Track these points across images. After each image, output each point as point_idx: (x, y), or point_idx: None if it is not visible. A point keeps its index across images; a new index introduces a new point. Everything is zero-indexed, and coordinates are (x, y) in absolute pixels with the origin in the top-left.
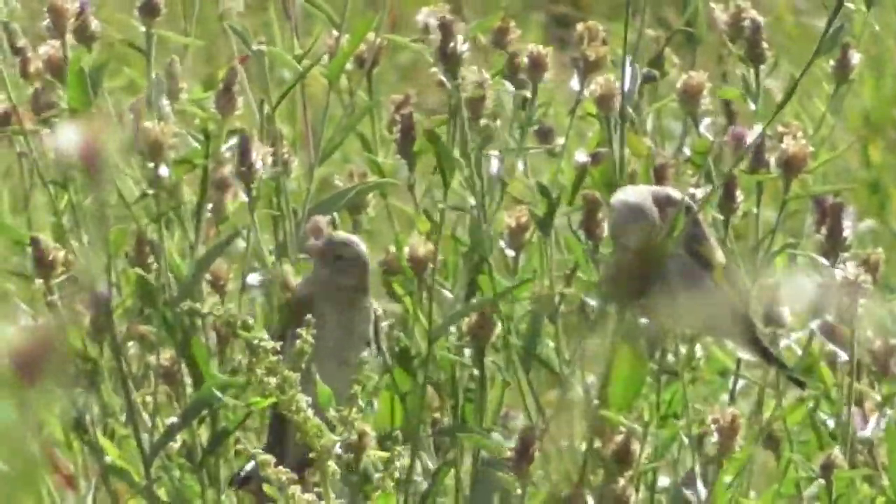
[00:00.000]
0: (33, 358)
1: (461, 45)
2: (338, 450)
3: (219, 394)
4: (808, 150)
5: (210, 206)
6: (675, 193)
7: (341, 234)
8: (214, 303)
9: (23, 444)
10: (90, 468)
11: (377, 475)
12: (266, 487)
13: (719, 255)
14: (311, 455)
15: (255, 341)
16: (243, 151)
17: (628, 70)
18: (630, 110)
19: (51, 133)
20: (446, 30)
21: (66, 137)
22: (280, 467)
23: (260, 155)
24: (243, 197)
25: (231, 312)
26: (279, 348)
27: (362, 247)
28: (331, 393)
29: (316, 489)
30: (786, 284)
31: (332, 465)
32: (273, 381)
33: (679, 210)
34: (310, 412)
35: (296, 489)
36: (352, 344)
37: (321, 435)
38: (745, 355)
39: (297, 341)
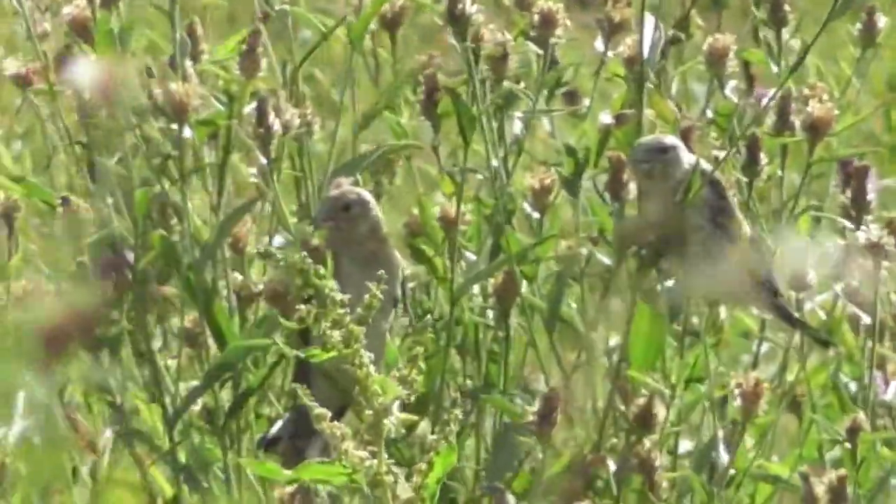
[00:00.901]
0: (61, 333)
1: (470, 7)
2: (395, 409)
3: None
4: (834, 113)
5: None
6: (704, 164)
7: (343, 187)
8: (282, 249)
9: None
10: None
11: (430, 437)
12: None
13: (745, 229)
14: (363, 413)
15: (328, 291)
16: (261, 114)
17: (649, 31)
18: (650, 72)
19: (66, 69)
20: None
21: (81, 71)
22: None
23: (285, 116)
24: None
25: (305, 259)
26: (346, 301)
27: (367, 194)
28: (396, 353)
29: (370, 448)
30: (810, 247)
31: (387, 423)
32: (337, 334)
33: (702, 178)
34: (372, 368)
35: (349, 445)
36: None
37: (382, 393)
38: (768, 317)
39: (367, 295)
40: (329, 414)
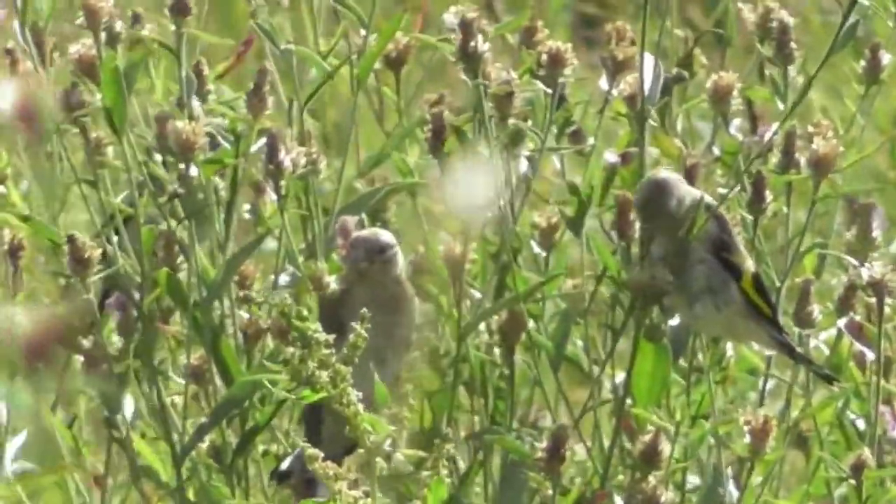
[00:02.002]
0: (42, 341)
1: (482, 45)
2: (387, 447)
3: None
4: (839, 150)
5: (247, 206)
6: (708, 199)
7: (374, 229)
8: (266, 292)
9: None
10: (119, 468)
11: (425, 473)
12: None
13: (749, 264)
14: (357, 450)
15: (310, 333)
16: (271, 150)
17: (649, 70)
18: (652, 110)
19: None
20: (467, 29)
21: (2, 96)
22: (328, 462)
23: (292, 154)
24: (273, 196)
25: (286, 302)
26: (331, 341)
27: (393, 237)
28: (387, 391)
29: (364, 489)
30: None
31: (380, 461)
32: (325, 374)
33: (706, 214)
34: (360, 407)
35: (342, 485)
36: (391, 344)
37: (373, 431)
38: (771, 352)
39: (351, 335)
40: (321, 455)
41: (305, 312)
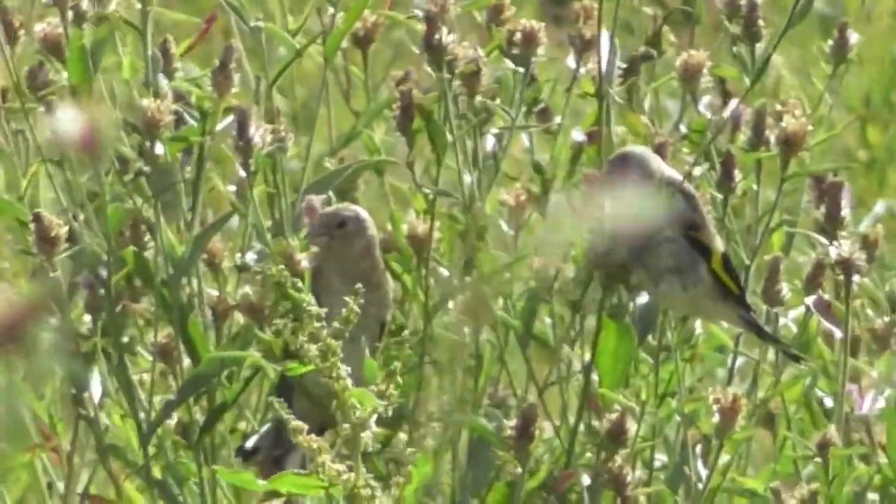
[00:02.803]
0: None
1: (447, 37)
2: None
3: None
4: (808, 129)
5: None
6: (677, 175)
7: (343, 204)
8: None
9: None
10: (86, 446)
11: (409, 450)
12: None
13: (718, 243)
14: (341, 426)
15: (304, 305)
16: (241, 127)
17: (605, 48)
18: (611, 90)
19: (49, 114)
20: (431, 22)
21: (65, 119)
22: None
23: (259, 131)
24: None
25: (282, 272)
26: (322, 314)
27: (364, 213)
28: (376, 366)
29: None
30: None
31: (365, 437)
32: (314, 347)
33: (673, 192)
34: (349, 382)
35: (326, 458)
36: (364, 323)
37: (360, 406)
38: (739, 330)
39: (343, 310)
40: (305, 427)
41: (300, 284)
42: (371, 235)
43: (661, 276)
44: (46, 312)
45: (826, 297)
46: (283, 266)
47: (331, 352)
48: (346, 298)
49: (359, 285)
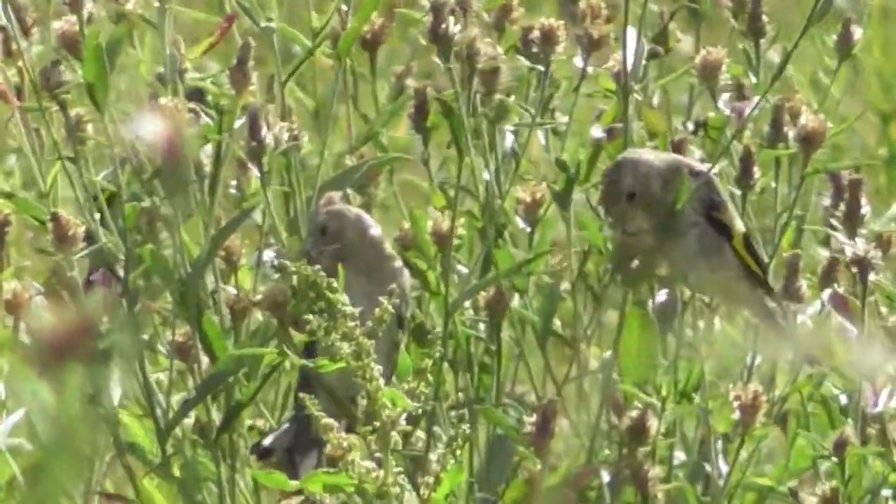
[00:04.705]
0: (66, 341)
1: (453, 27)
2: (402, 422)
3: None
4: (827, 125)
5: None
6: (695, 164)
7: (329, 206)
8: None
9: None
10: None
11: (439, 451)
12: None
13: (738, 223)
14: (372, 424)
15: (339, 305)
16: (253, 126)
17: (631, 46)
18: (634, 85)
19: (130, 123)
20: (437, 11)
21: (148, 128)
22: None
23: (273, 130)
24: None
25: (317, 272)
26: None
27: (350, 207)
28: (410, 364)
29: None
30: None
31: (395, 435)
32: (347, 346)
33: (698, 179)
34: (381, 381)
35: (356, 455)
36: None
37: (391, 406)
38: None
39: (377, 309)
40: (336, 424)
41: (335, 283)
42: (362, 226)
43: (689, 261)
44: (99, 324)
45: (841, 291)
46: (318, 266)
47: (364, 352)
48: (381, 298)
49: (391, 286)
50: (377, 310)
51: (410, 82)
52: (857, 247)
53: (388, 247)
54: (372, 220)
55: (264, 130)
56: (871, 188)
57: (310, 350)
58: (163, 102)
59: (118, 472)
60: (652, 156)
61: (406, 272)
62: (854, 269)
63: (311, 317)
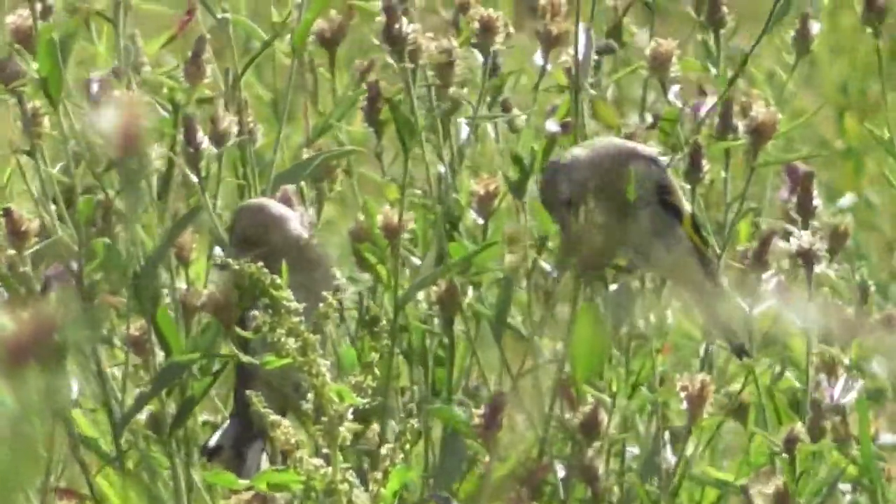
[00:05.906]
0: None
1: (406, 28)
2: (349, 416)
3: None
4: (778, 118)
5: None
6: (642, 147)
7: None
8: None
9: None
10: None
11: (387, 447)
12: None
13: (686, 205)
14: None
15: (284, 301)
16: (189, 133)
17: (583, 42)
18: (584, 81)
19: (88, 114)
20: (391, 12)
21: (106, 119)
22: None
23: (223, 124)
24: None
25: (260, 269)
26: (302, 310)
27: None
28: (355, 357)
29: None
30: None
31: (343, 430)
32: (292, 342)
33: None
34: (328, 376)
35: (303, 452)
36: (314, 304)
37: (339, 401)
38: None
39: (321, 304)
40: (284, 421)
41: (279, 280)
42: (269, 215)
43: (646, 241)
44: (58, 326)
45: (783, 279)
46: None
47: (310, 347)
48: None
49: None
50: (321, 305)
51: (372, 76)
52: (803, 239)
53: (309, 236)
54: (292, 213)
55: (200, 135)
56: (827, 180)
57: (245, 346)
58: (118, 95)
59: (74, 467)
60: (590, 152)
61: (328, 256)
62: (800, 262)
63: (255, 313)
